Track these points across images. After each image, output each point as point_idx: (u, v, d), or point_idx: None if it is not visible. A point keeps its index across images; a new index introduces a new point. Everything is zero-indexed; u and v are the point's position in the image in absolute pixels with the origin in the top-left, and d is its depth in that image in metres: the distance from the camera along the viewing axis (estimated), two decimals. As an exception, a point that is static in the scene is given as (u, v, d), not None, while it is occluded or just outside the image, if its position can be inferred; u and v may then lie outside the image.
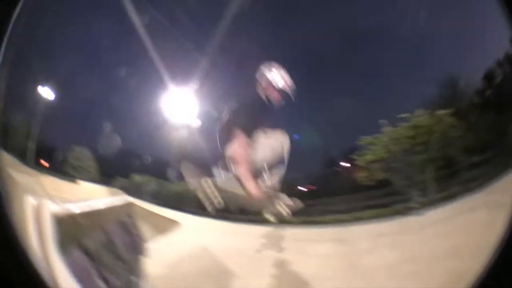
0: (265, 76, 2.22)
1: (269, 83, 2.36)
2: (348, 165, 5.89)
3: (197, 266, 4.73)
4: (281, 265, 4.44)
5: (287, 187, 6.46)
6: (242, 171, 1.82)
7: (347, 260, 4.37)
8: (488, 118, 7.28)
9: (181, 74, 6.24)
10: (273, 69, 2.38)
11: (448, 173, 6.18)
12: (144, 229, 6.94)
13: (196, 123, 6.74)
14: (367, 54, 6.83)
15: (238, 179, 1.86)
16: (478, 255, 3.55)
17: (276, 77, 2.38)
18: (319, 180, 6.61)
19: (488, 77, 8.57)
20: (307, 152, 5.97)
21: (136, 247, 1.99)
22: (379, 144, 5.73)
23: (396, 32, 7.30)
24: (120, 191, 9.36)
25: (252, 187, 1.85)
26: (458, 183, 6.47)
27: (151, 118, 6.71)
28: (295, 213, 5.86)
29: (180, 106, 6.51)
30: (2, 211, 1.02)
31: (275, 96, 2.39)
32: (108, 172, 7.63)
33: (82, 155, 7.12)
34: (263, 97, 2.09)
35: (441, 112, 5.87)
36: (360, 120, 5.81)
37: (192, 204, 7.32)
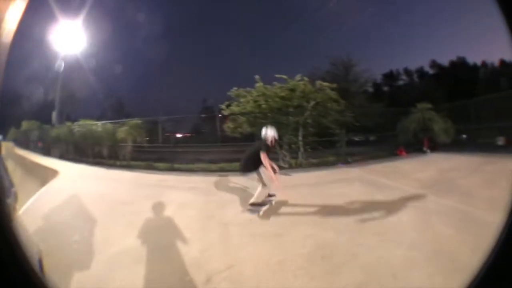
0: (271, 135, 4.00)
1: (274, 139, 4.06)
2: (220, 115, 5.92)
3: (67, 216, 4.43)
4: (142, 212, 4.14)
5: (164, 135, 6.43)
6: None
7: (203, 211, 4.09)
8: (378, 108, 7.84)
9: (69, 10, 6.22)
10: (271, 132, 4.05)
11: (322, 142, 6.40)
12: (26, 180, 6.48)
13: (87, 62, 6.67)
14: (269, 15, 7.14)
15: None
16: (346, 228, 3.31)
17: (276, 136, 4.10)
18: (195, 128, 6.61)
19: (390, 76, 9.37)
20: (188, 100, 6.07)
21: (2, 188, 1.83)
22: (249, 98, 5.69)
23: (308, 5, 7.73)
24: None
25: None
26: (335, 154, 6.72)
27: (40, 58, 6.53)
28: (162, 160, 5.78)
29: (70, 40, 6.37)
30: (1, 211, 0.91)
31: (273, 143, 4.10)
32: (2, 123, 7.24)
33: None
34: (269, 144, 3.98)
35: (323, 83, 6.18)
36: (241, 74, 6.01)
37: (70, 149, 7.02)
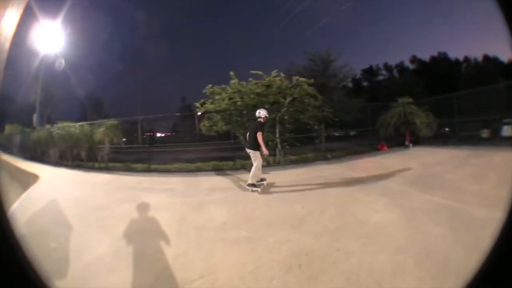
0: (264, 114, 4.77)
1: (266, 116, 4.85)
2: (198, 113, 5.90)
3: (47, 222, 4.34)
4: (116, 217, 4.01)
5: (144, 134, 6.39)
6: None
7: (178, 214, 3.96)
8: (357, 103, 7.87)
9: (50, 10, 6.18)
10: (264, 111, 4.85)
11: (301, 138, 6.28)
12: (11, 186, 6.45)
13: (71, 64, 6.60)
14: (246, 11, 7.17)
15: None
16: (325, 231, 2.98)
17: (267, 114, 4.90)
18: (173, 128, 6.58)
19: (370, 72, 9.48)
20: (167, 97, 6.07)
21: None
22: (224, 95, 5.62)
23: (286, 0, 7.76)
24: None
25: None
26: (314, 150, 6.71)
27: (21, 60, 6.52)
28: (140, 161, 5.73)
29: (50, 40, 6.30)
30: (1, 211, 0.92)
31: (266, 120, 4.90)
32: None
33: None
34: (262, 120, 4.74)
35: (300, 78, 6.18)
36: (216, 71, 6.01)
37: (50, 152, 6.98)
